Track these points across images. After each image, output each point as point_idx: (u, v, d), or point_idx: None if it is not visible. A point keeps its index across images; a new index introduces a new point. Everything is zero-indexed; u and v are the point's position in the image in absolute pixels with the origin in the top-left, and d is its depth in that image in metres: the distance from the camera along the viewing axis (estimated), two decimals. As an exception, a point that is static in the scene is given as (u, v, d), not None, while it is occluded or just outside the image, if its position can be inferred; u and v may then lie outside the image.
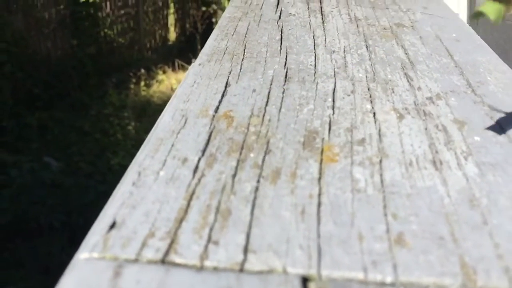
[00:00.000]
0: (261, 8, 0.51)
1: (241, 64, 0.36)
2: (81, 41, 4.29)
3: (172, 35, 5.92)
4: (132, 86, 4.03)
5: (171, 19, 5.97)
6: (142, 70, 4.03)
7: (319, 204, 0.21)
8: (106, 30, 4.78)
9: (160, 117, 0.28)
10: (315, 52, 0.40)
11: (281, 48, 0.40)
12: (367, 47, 0.41)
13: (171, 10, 5.76)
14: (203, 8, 4.97)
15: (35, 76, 3.49)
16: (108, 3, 4.96)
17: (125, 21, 5.05)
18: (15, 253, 1.72)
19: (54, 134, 3.13)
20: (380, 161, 0.25)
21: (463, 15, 1.66)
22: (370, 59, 0.39)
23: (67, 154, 2.83)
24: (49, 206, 2.04)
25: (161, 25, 5.47)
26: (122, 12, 4.99)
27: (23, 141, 2.91)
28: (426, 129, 0.29)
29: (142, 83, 3.96)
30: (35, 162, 2.57)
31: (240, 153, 0.25)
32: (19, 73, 3.60)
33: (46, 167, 2.56)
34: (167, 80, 3.70)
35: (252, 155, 0.25)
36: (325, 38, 0.43)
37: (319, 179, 0.23)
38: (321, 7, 0.53)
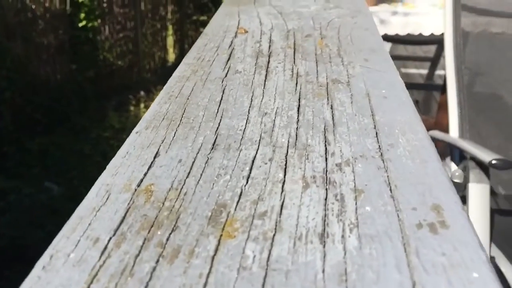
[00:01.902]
0: (211, 65, 0.55)
1: (176, 131, 0.40)
2: (80, 65, 4.36)
3: (171, 56, 5.99)
4: (132, 108, 4.09)
5: (170, 41, 6.05)
6: (142, 92, 4.09)
7: (205, 284, 0.25)
8: (105, 54, 4.85)
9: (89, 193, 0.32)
10: (248, 115, 0.43)
11: (217, 111, 0.44)
12: (298, 107, 0.45)
13: (170, 32, 5.85)
14: (201, 29, 5.11)
15: (35, 101, 3.55)
16: (106, 27, 5.05)
17: (124, 44, 5.14)
18: (13, 279, 1.74)
19: (54, 158, 3.17)
20: (273, 236, 0.29)
21: (448, 6, 1.70)
22: (297, 122, 0.42)
23: (67, 178, 2.87)
24: (48, 231, 2.06)
25: (160, 47, 5.57)
26: (121, 35, 5.08)
27: (24, 166, 2.95)
28: (325, 199, 0.32)
29: (142, 105, 4.02)
30: (35, 187, 2.60)
31: (149, 231, 0.28)
32: (19, 99, 3.66)
33: (46, 192, 2.59)
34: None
35: (159, 232, 0.28)
36: (262, 99, 0.47)
37: (213, 257, 0.27)
38: (268, 62, 0.56)
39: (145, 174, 0.34)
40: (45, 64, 4.18)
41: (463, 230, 0.29)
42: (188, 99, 0.46)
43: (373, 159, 0.37)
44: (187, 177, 0.34)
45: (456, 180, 1.65)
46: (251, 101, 0.46)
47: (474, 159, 1.55)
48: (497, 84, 1.87)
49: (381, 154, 0.37)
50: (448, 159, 1.74)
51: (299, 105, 0.45)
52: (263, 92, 0.48)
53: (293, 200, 0.32)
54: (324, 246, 0.28)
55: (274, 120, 0.42)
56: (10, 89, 3.43)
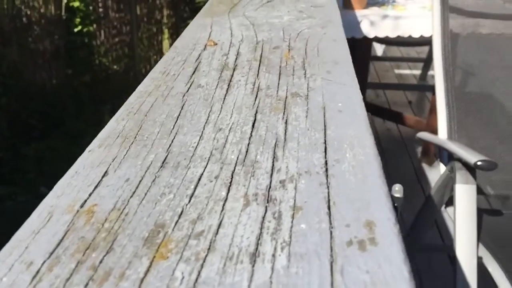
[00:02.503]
0: (175, 80, 0.56)
1: (128, 149, 0.41)
2: (76, 70, 4.38)
3: (167, 59, 5.90)
4: (127, 112, 4.08)
5: (166, 45, 6.08)
6: (137, 96, 4.11)
7: (129, 306, 0.26)
8: (100, 58, 4.87)
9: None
10: (202, 131, 0.44)
11: (173, 128, 0.45)
12: (254, 122, 0.46)
13: (166, 35, 5.87)
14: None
15: (31, 106, 3.57)
16: (102, 32, 5.06)
17: (120, 48, 5.16)
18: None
19: (50, 164, 3.18)
20: (205, 257, 0.29)
21: (436, 8, 1.71)
22: (250, 138, 0.43)
23: (63, 183, 2.86)
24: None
25: (156, 50, 5.58)
26: (117, 39, 5.10)
27: (19, 172, 2.96)
28: (263, 217, 0.33)
29: (137, 109, 4.03)
30: (31, 193, 2.61)
31: (84, 254, 0.29)
32: (14, 105, 3.68)
33: (42, 197, 2.60)
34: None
35: (94, 255, 0.29)
36: (219, 114, 0.48)
37: (143, 279, 0.27)
38: (232, 76, 0.57)
39: (90, 195, 0.35)
40: (40, 69, 4.20)
41: (391, 247, 0.30)
42: (146, 115, 0.47)
43: (317, 175, 0.38)
44: (131, 196, 0.35)
45: (443, 181, 1.66)
46: (208, 117, 0.47)
47: (460, 160, 1.56)
48: (486, 85, 1.87)
49: (326, 170, 0.38)
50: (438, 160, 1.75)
51: (254, 120, 0.46)
52: (222, 107, 0.49)
53: (231, 219, 0.33)
54: (253, 266, 0.29)
55: (227, 136, 0.43)
56: (6, 95, 3.44)
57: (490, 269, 1.41)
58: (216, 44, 0.68)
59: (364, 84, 2.43)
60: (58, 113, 3.70)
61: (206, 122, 0.45)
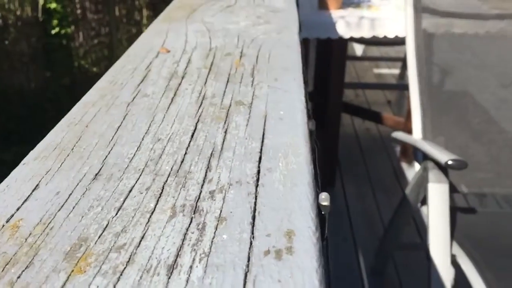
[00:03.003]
0: (122, 89, 0.56)
1: (64, 161, 0.41)
2: (55, 72, 4.34)
3: (147, 61, 5.91)
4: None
5: (145, 45, 6.00)
6: (118, 99, 4.11)
7: (38, 322, 0.26)
8: (80, 60, 4.84)
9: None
10: (141, 142, 0.45)
11: (112, 139, 0.45)
12: (193, 132, 0.47)
13: (145, 36, 5.79)
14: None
15: (9, 110, 3.51)
16: (80, 33, 5.02)
17: (99, 50, 5.12)
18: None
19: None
20: (123, 270, 0.30)
21: (409, 9, 1.74)
22: (187, 148, 0.44)
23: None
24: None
25: (135, 51, 5.52)
26: (96, 41, 5.06)
27: (-1, 178, 2.91)
28: (187, 229, 0.34)
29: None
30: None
31: (3, 269, 0.30)
32: (-8, 109, 3.62)
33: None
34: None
35: (13, 270, 0.30)
36: (160, 124, 0.48)
37: (57, 293, 0.28)
38: (179, 84, 0.58)
39: (17, 209, 0.35)
40: (18, 72, 4.15)
41: (306, 255, 0.31)
42: (87, 126, 0.47)
43: (246, 185, 0.38)
44: (59, 210, 0.35)
45: (417, 181, 1.69)
46: (149, 127, 0.47)
47: (433, 159, 1.59)
48: (460, 84, 1.91)
49: (257, 180, 0.39)
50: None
51: (194, 130, 0.47)
52: (164, 117, 0.49)
53: (155, 231, 0.33)
54: (169, 278, 0.29)
55: (165, 147, 0.44)
56: (-18, 100, 3.39)
57: (463, 266, 1.44)
58: (169, 51, 0.68)
59: (341, 85, 2.45)
60: (38, 117, 3.66)
61: (146, 133, 0.46)
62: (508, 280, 1.33)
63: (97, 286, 0.28)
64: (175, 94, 0.54)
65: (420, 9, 1.88)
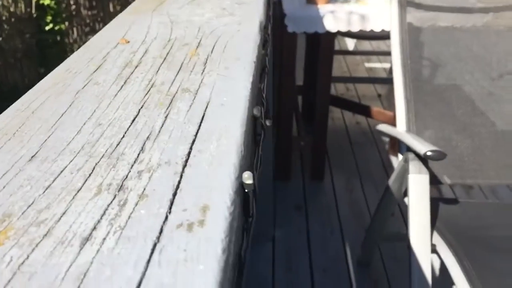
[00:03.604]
0: (74, 77, 0.58)
1: (3, 145, 0.43)
2: (49, 68, 4.35)
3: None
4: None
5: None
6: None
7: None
8: (74, 56, 4.82)
9: None
10: (82, 127, 0.46)
11: (54, 124, 0.47)
12: (135, 118, 0.48)
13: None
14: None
15: (3, 107, 3.52)
16: (75, 29, 5.02)
17: (93, 46, 5.10)
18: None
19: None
20: (40, 242, 0.32)
21: (394, 2, 1.75)
22: (126, 132, 0.46)
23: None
24: None
25: (130, 47, 5.53)
26: (90, 37, 5.06)
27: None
28: (108, 205, 0.35)
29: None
30: None
31: None
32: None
33: None
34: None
35: None
36: (105, 110, 0.50)
37: (-28, 263, 0.30)
38: (132, 73, 0.59)
39: (-51, 189, 0.37)
40: (12, 69, 4.16)
41: (215, 228, 0.33)
42: (33, 112, 0.49)
43: (175, 165, 0.40)
44: (-10, 189, 0.37)
45: (399, 172, 1.71)
46: (93, 113, 0.49)
47: (413, 151, 1.61)
48: (444, 77, 1.93)
49: (186, 160, 0.41)
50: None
51: (136, 115, 0.48)
52: (110, 104, 0.51)
53: (77, 207, 0.35)
54: (81, 249, 0.31)
55: (104, 131, 0.45)
56: (-25, 97, 3.40)
57: (442, 255, 1.46)
58: (129, 42, 0.70)
59: (328, 78, 2.47)
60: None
61: (89, 118, 0.48)
62: (485, 269, 1.35)
63: (11, 257, 0.30)
64: (125, 82, 0.56)
65: (405, 3, 1.89)
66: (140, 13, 0.85)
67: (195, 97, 0.52)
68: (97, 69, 0.60)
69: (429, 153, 1.50)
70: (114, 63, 0.62)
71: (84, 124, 0.47)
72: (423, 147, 1.53)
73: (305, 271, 2.01)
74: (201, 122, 0.47)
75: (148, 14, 0.84)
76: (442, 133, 1.80)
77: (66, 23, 4.62)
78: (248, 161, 0.48)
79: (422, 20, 1.89)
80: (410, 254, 1.53)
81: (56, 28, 4.62)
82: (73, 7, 4.86)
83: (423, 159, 1.58)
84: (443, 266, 1.61)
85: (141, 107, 0.50)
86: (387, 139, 2.95)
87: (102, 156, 0.41)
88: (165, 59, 0.63)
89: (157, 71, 0.59)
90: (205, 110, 0.49)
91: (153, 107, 0.50)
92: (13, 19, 4.26)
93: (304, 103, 3.11)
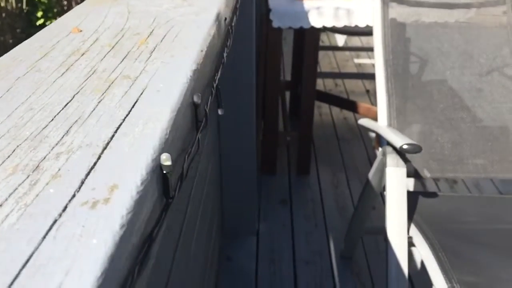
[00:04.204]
0: (19, 65, 0.58)
1: None
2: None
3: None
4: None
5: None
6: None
7: None
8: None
9: None
10: (13, 111, 0.46)
11: (-13, 109, 0.47)
12: (68, 103, 0.49)
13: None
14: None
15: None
16: (66, 24, 4.97)
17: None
18: None
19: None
20: None
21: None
22: (55, 116, 0.46)
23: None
24: None
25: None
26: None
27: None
28: (20, 184, 0.36)
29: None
30: None
31: None
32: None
33: None
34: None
35: None
36: (40, 96, 0.50)
37: None
38: (77, 60, 0.60)
39: None
40: (1, 64, 4.12)
41: (119, 206, 0.33)
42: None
43: (96, 148, 0.41)
44: None
45: (378, 166, 1.72)
46: (28, 98, 0.49)
47: (391, 144, 1.62)
48: (425, 72, 1.93)
49: (108, 143, 0.42)
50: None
51: (70, 100, 0.49)
52: (46, 90, 0.51)
53: (-10, 186, 0.36)
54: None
55: (34, 115, 0.46)
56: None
57: (419, 248, 1.48)
58: (81, 31, 0.70)
59: (314, 74, 2.47)
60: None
61: (22, 103, 0.48)
62: (460, 261, 1.36)
63: None
64: (67, 69, 0.56)
65: (387, -2, 1.89)
66: (100, 3, 0.86)
67: (133, 83, 0.53)
68: (43, 57, 0.60)
69: (405, 146, 1.51)
70: (61, 51, 0.62)
71: (16, 109, 0.47)
72: (399, 140, 1.54)
73: (288, 264, 2.02)
74: (132, 107, 0.47)
75: (107, 4, 0.85)
76: (423, 128, 1.81)
77: (57, 18, 4.62)
78: (181, 145, 0.48)
79: (405, 15, 1.90)
80: (387, 246, 1.54)
81: (47, 23, 4.61)
82: (65, 2, 4.85)
83: (400, 153, 1.59)
84: (418, 258, 1.61)
85: (77, 93, 0.50)
86: (373, 135, 2.96)
87: (26, 139, 0.42)
88: (113, 47, 0.63)
89: (102, 59, 0.59)
90: (139, 96, 0.50)
91: (89, 93, 0.50)
92: (3, 14, 4.25)
93: (291, 99, 3.12)
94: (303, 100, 2.46)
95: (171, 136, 0.44)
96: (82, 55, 0.61)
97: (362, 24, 2.47)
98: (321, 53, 4.18)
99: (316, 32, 2.40)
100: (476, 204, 1.73)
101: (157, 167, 0.40)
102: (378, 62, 1.82)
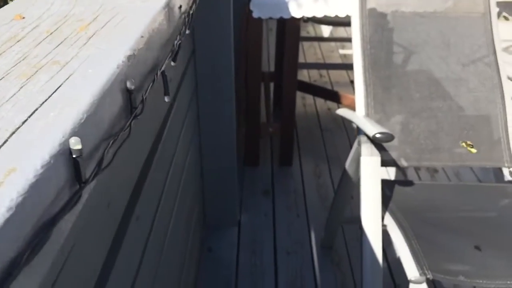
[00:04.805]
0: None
1: None
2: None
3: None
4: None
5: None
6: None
7: None
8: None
9: None
10: None
11: None
12: (-11, 88, 0.48)
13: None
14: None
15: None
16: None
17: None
18: None
19: None
20: None
21: None
22: (-27, 101, 0.45)
23: None
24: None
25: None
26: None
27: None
28: None
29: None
30: None
31: None
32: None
33: None
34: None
35: None
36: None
37: None
38: (11, 46, 0.59)
39: None
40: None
41: (9, 188, 0.33)
42: None
43: (4, 132, 0.40)
44: None
45: (354, 155, 1.72)
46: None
47: (365, 133, 1.62)
48: (402, 62, 1.93)
49: (18, 127, 0.41)
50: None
51: (-8, 86, 0.48)
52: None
53: None
54: None
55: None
56: None
57: (392, 236, 1.48)
58: (24, 18, 0.69)
59: (294, 64, 2.46)
60: None
61: None
62: (433, 249, 1.36)
63: None
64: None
65: (366, -13, 1.88)
66: (52, -9, 0.84)
67: (61, 69, 0.52)
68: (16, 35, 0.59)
69: (377, 135, 1.51)
70: (-3, 38, 0.61)
71: None
72: (372, 129, 1.53)
73: (269, 255, 2.02)
74: (53, 92, 0.47)
75: (60, -8, 0.84)
76: (400, 117, 1.81)
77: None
78: (106, 130, 0.47)
79: (384, 5, 1.89)
80: (361, 234, 1.54)
81: None
82: None
83: (375, 142, 1.59)
84: (393, 246, 1.61)
85: (1, 79, 0.49)
86: (355, 125, 2.96)
87: None
88: (51, 34, 0.62)
89: (37, 45, 0.58)
90: (64, 81, 0.49)
91: (13, 78, 0.50)
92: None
93: (275, 90, 3.11)
94: (285, 91, 2.45)
95: (90, 121, 0.43)
96: (18, 41, 0.60)
97: (342, 14, 2.46)
98: (306, 44, 4.16)
99: (296, 22, 2.38)
100: (454, 192, 1.74)
101: (67, 151, 0.39)
102: (356, 52, 1.81)
